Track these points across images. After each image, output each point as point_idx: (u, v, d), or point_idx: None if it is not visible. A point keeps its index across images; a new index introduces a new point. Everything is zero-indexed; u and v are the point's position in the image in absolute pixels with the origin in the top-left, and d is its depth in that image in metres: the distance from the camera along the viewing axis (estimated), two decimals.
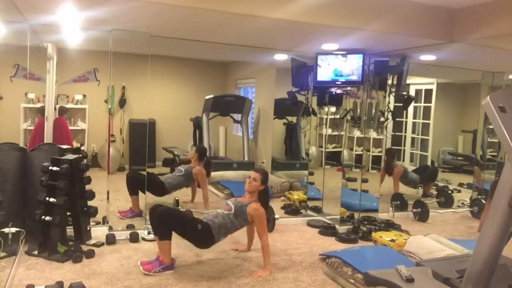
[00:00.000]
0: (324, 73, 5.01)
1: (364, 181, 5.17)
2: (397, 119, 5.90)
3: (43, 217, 3.68)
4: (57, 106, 6.18)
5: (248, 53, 5.90)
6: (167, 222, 3.45)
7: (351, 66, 4.87)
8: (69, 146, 4.96)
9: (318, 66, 5.00)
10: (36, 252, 3.68)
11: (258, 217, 3.57)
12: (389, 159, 6.37)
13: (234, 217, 3.58)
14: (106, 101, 7.31)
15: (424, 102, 7.17)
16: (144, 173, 4.75)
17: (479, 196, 6.16)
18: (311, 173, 6.22)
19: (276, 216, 4.84)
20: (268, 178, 3.81)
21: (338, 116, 5.62)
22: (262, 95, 7.50)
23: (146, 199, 4.79)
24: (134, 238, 4.21)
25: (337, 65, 4.94)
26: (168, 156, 7.44)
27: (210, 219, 3.56)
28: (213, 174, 6.42)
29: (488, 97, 1.73)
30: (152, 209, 3.58)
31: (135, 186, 4.82)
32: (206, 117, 7.20)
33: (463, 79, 7.14)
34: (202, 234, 3.50)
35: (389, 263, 2.87)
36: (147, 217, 4.65)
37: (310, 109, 5.80)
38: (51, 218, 3.66)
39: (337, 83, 5.00)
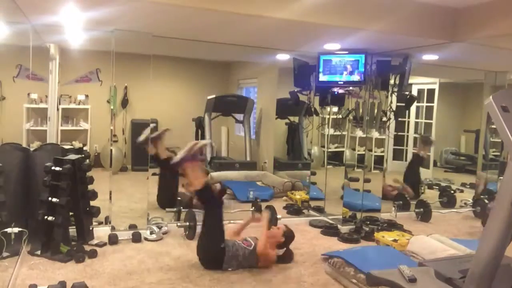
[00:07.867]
0: (326, 73, 5.00)
1: (367, 181, 5.16)
2: (400, 119, 5.89)
3: (45, 217, 3.68)
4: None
5: (250, 53, 5.90)
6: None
7: (353, 66, 4.86)
8: None
9: (319, 69, 4.99)
10: (38, 252, 3.68)
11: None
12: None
13: (250, 254, 3.60)
14: (108, 101, 7.32)
15: (427, 102, 7.16)
16: None
17: (481, 196, 6.14)
18: (313, 173, 6.21)
19: (278, 216, 4.84)
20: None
21: (340, 116, 5.62)
22: (264, 95, 7.50)
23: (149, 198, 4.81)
24: (136, 238, 4.21)
25: (340, 65, 4.93)
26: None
27: (228, 245, 3.59)
28: (215, 174, 6.41)
29: (491, 97, 1.72)
30: None
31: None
32: (208, 117, 7.20)
33: (466, 78, 7.13)
34: (217, 253, 3.53)
35: (392, 263, 2.86)
36: (150, 217, 4.67)
37: (312, 109, 5.79)
38: (53, 218, 3.67)
39: (339, 83, 4.99)
